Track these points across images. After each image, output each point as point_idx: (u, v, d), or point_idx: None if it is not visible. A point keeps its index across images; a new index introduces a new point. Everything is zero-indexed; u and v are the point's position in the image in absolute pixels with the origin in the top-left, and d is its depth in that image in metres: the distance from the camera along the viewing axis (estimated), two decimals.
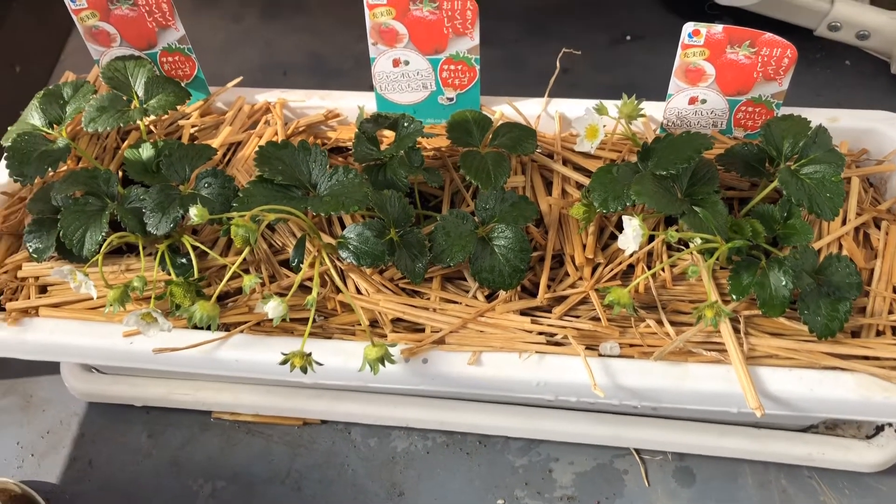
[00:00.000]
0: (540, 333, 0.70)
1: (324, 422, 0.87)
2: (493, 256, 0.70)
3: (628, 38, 1.31)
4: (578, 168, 0.80)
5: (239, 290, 0.74)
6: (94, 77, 0.90)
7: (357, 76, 1.26)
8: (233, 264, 0.65)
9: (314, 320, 0.71)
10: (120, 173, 0.81)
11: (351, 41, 1.33)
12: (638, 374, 0.67)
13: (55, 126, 0.78)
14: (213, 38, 1.36)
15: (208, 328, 0.65)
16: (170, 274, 0.71)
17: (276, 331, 0.72)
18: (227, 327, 0.72)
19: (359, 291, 0.73)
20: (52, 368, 0.93)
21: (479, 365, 0.69)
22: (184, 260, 0.72)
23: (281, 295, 0.73)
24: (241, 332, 0.71)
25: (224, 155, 0.83)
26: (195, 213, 0.62)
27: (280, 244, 0.76)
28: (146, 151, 0.76)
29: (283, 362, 0.64)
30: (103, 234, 0.69)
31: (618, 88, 0.74)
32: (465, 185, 0.79)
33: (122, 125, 0.76)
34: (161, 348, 0.70)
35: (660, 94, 0.81)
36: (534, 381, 0.68)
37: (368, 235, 0.69)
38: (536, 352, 0.69)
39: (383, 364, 0.64)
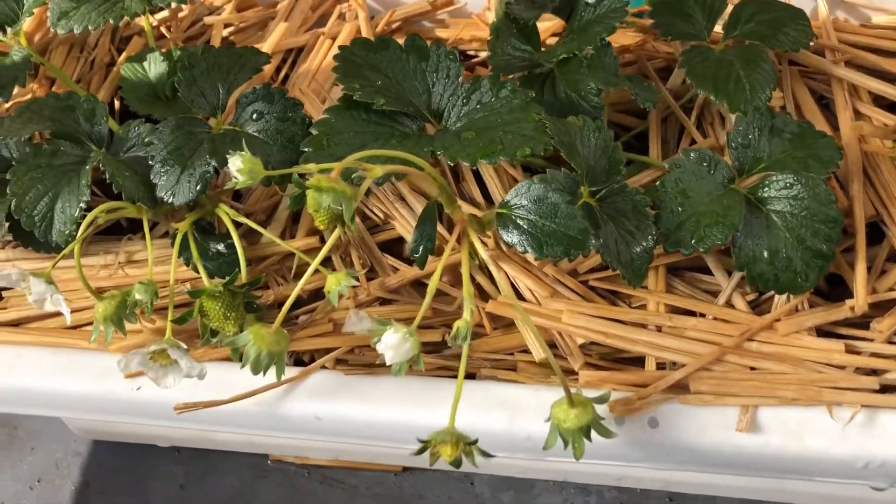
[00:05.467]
0: (859, 370, 0.42)
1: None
2: (772, 233, 0.42)
3: None
4: (875, 72, 0.54)
5: (316, 295, 0.48)
6: None
7: None
8: (307, 252, 0.36)
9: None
10: (116, 103, 0.62)
11: None
12: None
13: (7, 28, 0.58)
14: None
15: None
16: (198, 272, 0.45)
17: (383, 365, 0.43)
18: (298, 359, 0.48)
19: (519, 296, 0.44)
20: None
21: (755, 431, 0.40)
22: (221, 246, 0.49)
23: (385, 302, 0.44)
24: (324, 367, 0.46)
25: (277, 69, 0.62)
26: (239, 167, 0.37)
27: (381, 215, 0.48)
28: (155, 66, 0.57)
29: (420, 451, 0.34)
30: (82, 204, 0.47)
31: None
32: (683, 107, 0.53)
33: (113, 23, 0.55)
34: (186, 404, 0.43)
35: None
36: (859, 461, 0.41)
37: (556, 201, 0.38)
38: (862, 405, 0.41)
39: (588, 437, 0.37)
